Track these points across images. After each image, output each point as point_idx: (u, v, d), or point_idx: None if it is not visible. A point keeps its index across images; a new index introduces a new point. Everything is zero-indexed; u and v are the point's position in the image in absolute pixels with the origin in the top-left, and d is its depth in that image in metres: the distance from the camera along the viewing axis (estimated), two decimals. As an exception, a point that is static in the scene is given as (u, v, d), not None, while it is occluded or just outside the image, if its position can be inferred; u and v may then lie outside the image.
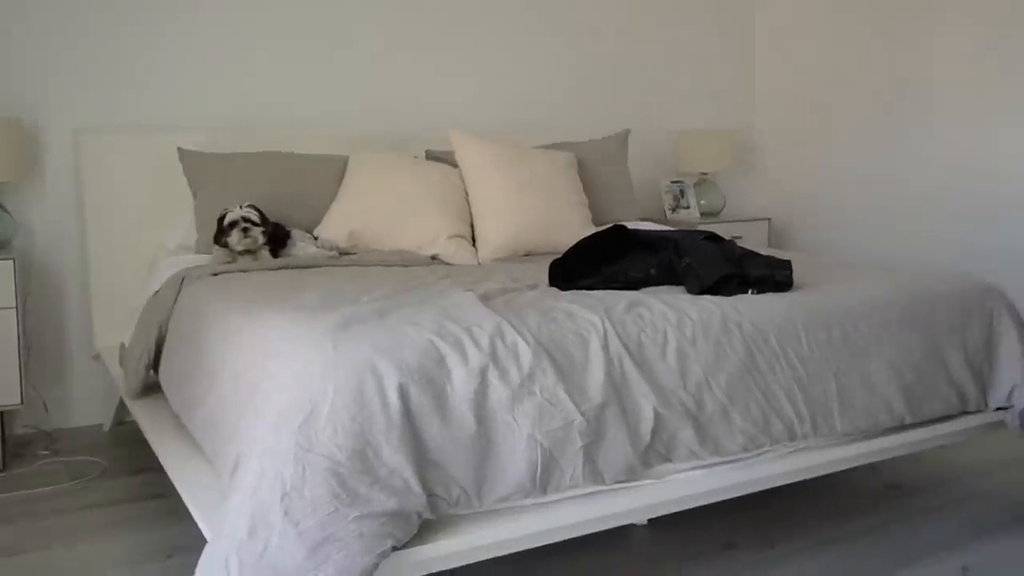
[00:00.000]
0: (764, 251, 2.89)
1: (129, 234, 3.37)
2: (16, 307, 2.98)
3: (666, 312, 2.14)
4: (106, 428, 3.44)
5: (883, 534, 2.51)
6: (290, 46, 3.79)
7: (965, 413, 2.54)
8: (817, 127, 4.65)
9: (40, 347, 3.38)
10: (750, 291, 2.37)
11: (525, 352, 1.90)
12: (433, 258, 3.18)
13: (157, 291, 2.76)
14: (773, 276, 2.44)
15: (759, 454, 2.15)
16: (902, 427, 2.40)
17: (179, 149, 3.30)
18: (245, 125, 3.66)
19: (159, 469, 2.57)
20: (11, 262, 2.97)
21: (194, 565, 1.62)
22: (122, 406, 3.34)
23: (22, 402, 3.03)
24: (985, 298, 2.63)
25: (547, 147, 3.76)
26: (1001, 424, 2.58)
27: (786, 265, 2.48)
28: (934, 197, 4.13)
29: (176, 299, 2.64)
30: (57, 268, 3.43)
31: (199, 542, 1.71)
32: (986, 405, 2.57)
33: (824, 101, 4.60)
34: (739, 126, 4.88)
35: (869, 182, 4.40)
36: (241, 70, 3.70)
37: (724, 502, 2.13)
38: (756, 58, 4.94)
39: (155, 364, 2.64)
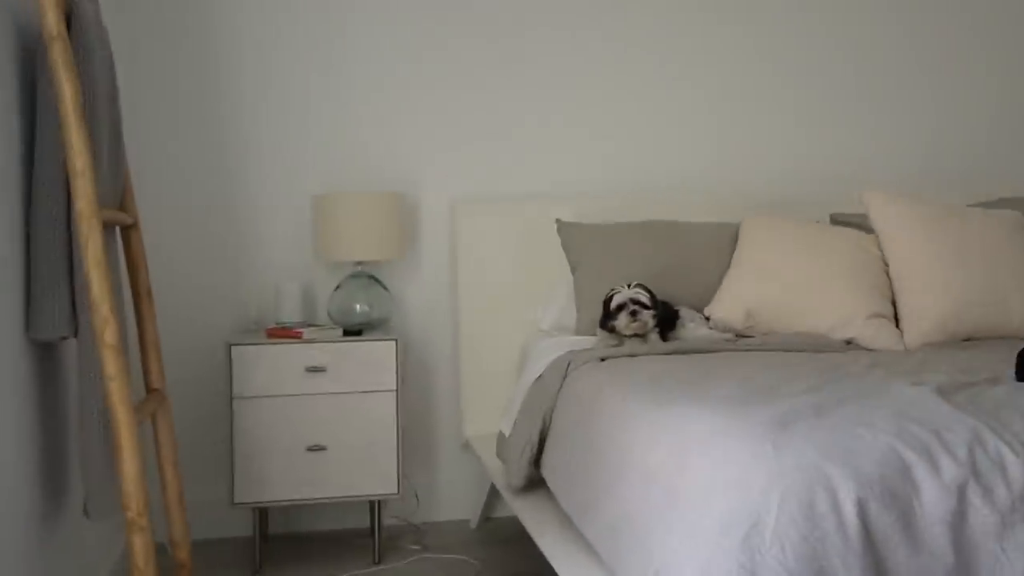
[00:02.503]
0: None
1: (500, 312, 3.55)
2: (396, 389, 3.23)
3: None
4: (473, 524, 3.60)
5: None
6: (667, 104, 3.87)
7: None
8: None
9: (412, 433, 3.62)
10: None
11: (1015, 465, 1.72)
12: (848, 342, 3.06)
13: (540, 376, 2.85)
14: None
15: None
16: None
17: (557, 221, 3.44)
18: (622, 192, 3.78)
19: (537, 573, 2.61)
20: (394, 343, 3.23)
21: None
22: (490, 500, 3.49)
23: (398, 491, 3.25)
24: None
25: (987, 204, 3.53)
26: None
27: None
28: None
29: (561, 386, 2.71)
30: (429, 348, 3.69)
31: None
32: None
33: None
34: None
35: None
36: (615, 133, 3.83)
37: None
38: None
39: (538, 457, 2.71)
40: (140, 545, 2.12)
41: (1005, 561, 1.66)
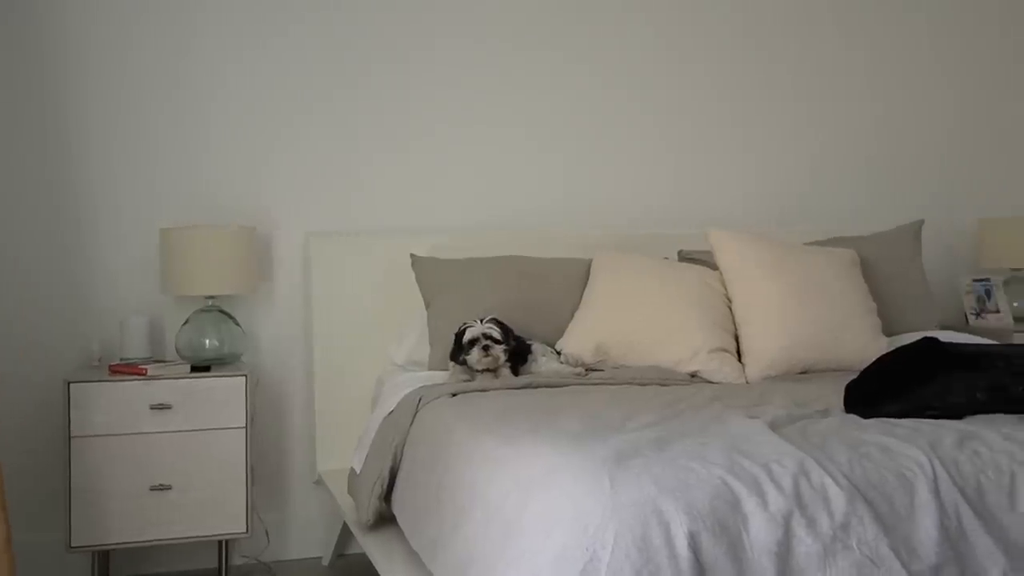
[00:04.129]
0: None
1: (355, 347, 3.52)
2: (246, 427, 3.18)
3: (1011, 449, 2.01)
4: (325, 562, 3.56)
5: None
6: (524, 144, 3.92)
7: None
8: None
9: (264, 469, 3.56)
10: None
11: (837, 496, 1.81)
12: (692, 375, 3.13)
13: (391, 412, 2.85)
14: None
15: None
16: None
17: (412, 255, 3.44)
18: (478, 229, 3.80)
19: (389, 613, 2.59)
20: (244, 378, 3.18)
21: None
22: (343, 537, 3.45)
23: (247, 530, 3.19)
24: None
25: (823, 243, 3.68)
26: None
27: None
28: None
29: (412, 421, 2.70)
30: (283, 383, 3.64)
31: None
32: None
33: None
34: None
35: None
36: (473, 170, 3.86)
37: None
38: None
39: (388, 494, 2.70)
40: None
41: None
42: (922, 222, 3.81)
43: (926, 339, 2.58)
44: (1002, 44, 4.60)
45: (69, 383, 3.06)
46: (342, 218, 3.68)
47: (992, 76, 4.57)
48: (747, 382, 3.11)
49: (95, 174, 3.47)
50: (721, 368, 3.13)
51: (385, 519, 2.72)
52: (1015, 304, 4.24)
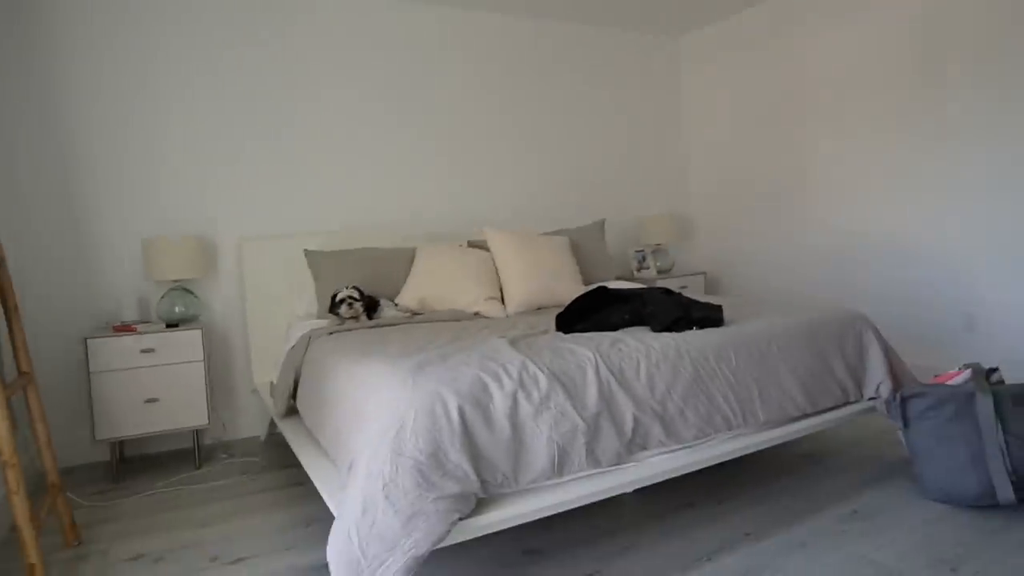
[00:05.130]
0: (703, 298, 2.87)
1: (273, 307, 3.40)
2: (203, 360, 3.03)
3: (638, 346, 2.13)
4: (262, 439, 3.45)
5: (798, 490, 2.46)
6: (373, 171, 3.80)
7: (848, 403, 2.51)
8: (734, 207, 4.63)
9: (218, 385, 3.42)
10: (695, 328, 2.36)
11: (542, 379, 1.89)
12: (476, 314, 3.14)
13: (293, 346, 2.75)
14: (710, 316, 2.42)
15: (707, 440, 2.13)
16: (805, 415, 2.38)
17: (305, 250, 3.33)
18: (351, 228, 3.69)
19: (299, 466, 2.56)
20: (199, 331, 3.03)
21: (326, 531, 1.62)
22: (273, 424, 3.36)
23: (208, 422, 3.06)
24: (855, 321, 2.62)
25: (550, 234, 3.74)
26: (873, 409, 2.54)
27: (718, 309, 2.47)
28: (819, 251, 4.11)
29: (306, 351, 2.63)
30: (228, 333, 3.47)
31: (328, 515, 1.71)
32: (862, 396, 2.54)
33: (738, 188, 4.60)
34: (680, 209, 4.88)
35: (774, 243, 4.38)
36: (340, 193, 3.70)
37: (685, 475, 2.09)
38: (690, 163, 4.92)
39: (294, 395, 2.64)
40: (11, 476, 1.89)
41: (538, 432, 1.82)
42: (604, 220, 3.87)
43: (599, 287, 2.67)
44: (647, 102, 4.76)
45: (87, 339, 2.86)
46: (264, 225, 3.52)
47: (646, 124, 4.74)
48: (507, 316, 3.13)
49: (101, 201, 3.20)
50: (492, 308, 3.15)
51: (293, 411, 2.67)
52: (658, 264, 4.49)
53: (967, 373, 2.32)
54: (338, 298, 2.92)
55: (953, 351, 3.46)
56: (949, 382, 2.33)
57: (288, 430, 2.60)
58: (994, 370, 2.33)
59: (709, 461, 2.11)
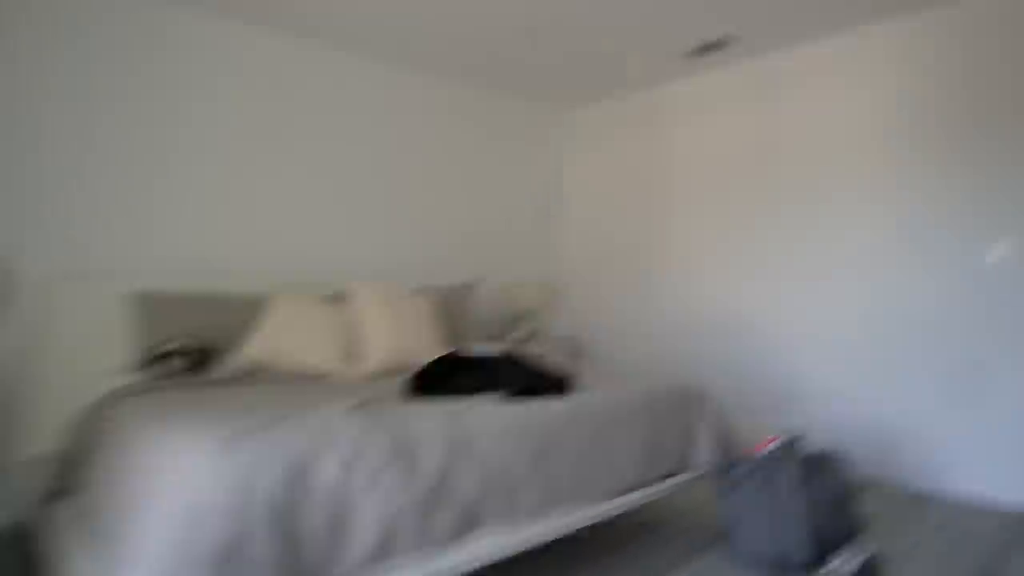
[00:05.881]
0: (561, 363, 2.88)
1: (78, 358, 2.80)
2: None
3: (484, 414, 2.09)
4: None
5: (638, 557, 2.47)
6: (235, 218, 3.51)
7: (683, 472, 2.58)
8: (604, 276, 4.76)
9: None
10: (541, 396, 2.35)
11: (377, 452, 1.77)
12: (325, 374, 2.93)
13: (84, 407, 2.43)
14: (556, 385, 2.44)
15: (549, 512, 2.08)
16: (644, 485, 2.42)
17: (130, 292, 2.92)
18: (197, 272, 3.34)
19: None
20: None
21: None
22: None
23: None
24: (691, 395, 2.70)
25: (417, 290, 3.64)
26: (703, 477, 2.64)
27: (566, 379, 2.48)
28: (674, 322, 4.28)
29: (99, 414, 2.28)
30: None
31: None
32: (695, 466, 2.62)
33: (609, 259, 4.74)
34: (554, 275, 4.94)
35: (634, 315, 4.52)
36: (189, 225, 3.36)
37: (527, 552, 2.02)
38: (566, 231, 5.03)
39: (71, 470, 2.23)
40: None
41: (363, 507, 1.70)
42: (477, 280, 3.86)
43: (452, 352, 2.63)
44: (531, 167, 4.81)
45: None
46: (81, 260, 3.02)
47: (528, 190, 4.77)
48: (361, 377, 2.96)
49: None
50: (344, 369, 2.99)
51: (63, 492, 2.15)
52: (528, 328, 4.41)
53: (777, 441, 2.49)
54: (159, 350, 2.64)
55: (778, 419, 3.73)
56: (764, 449, 2.48)
57: (45, 519, 2.20)
58: (799, 438, 2.51)
59: (550, 535, 2.05)
